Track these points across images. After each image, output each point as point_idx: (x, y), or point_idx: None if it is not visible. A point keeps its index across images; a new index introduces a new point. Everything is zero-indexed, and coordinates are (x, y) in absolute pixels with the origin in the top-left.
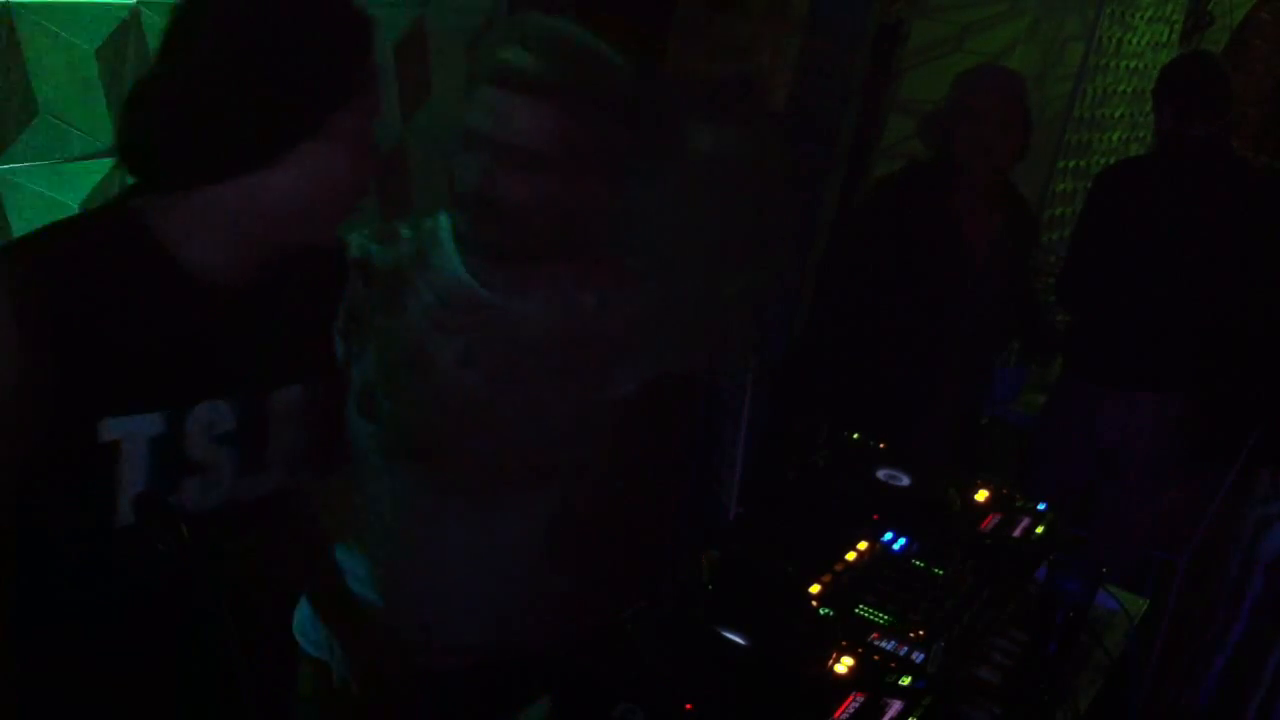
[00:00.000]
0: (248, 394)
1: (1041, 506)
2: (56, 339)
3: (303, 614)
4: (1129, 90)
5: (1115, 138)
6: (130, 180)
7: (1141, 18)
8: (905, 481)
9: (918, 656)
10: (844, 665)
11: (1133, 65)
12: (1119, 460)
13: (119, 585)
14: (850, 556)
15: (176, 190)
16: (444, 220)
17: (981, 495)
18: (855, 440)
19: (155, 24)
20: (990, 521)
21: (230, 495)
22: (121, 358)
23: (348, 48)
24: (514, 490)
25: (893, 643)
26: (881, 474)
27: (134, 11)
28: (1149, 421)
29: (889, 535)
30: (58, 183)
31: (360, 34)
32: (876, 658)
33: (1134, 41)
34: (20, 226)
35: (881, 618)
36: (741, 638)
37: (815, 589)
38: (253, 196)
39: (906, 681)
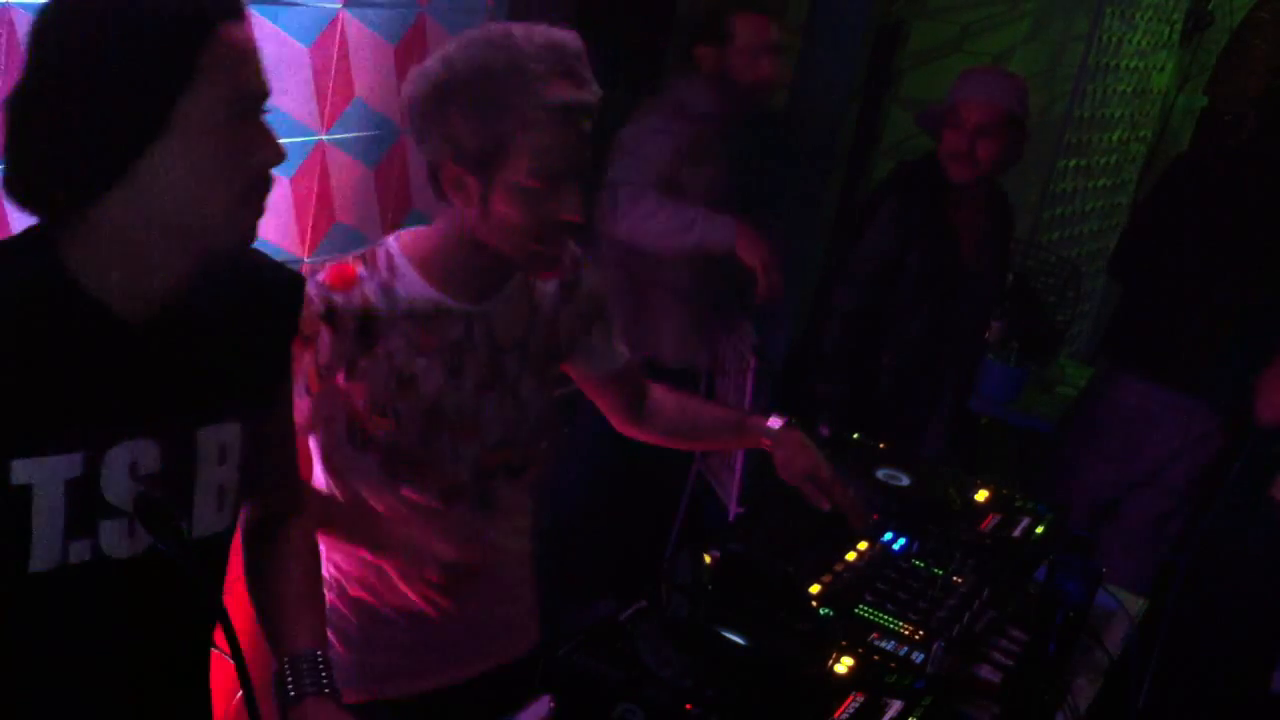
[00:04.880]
0: (174, 432)
1: (1041, 506)
2: None
3: None
4: (1129, 90)
5: (1115, 138)
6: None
7: (1142, 18)
8: (905, 481)
9: (918, 656)
10: (844, 665)
11: (1133, 65)
12: (1161, 469)
13: (36, 632)
14: (850, 556)
15: (72, 214)
16: (392, 245)
17: (981, 495)
18: (855, 440)
19: None
20: (990, 521)
21: (153, 540)
22: (30, 395)
23: (171, 32)
24: (501, 486)
25: (893, 643)
26: (881, 474)
27: None
28: (1194, 429)
29: (889, 535)
30: None
31: (187, 15)
32: (876, 658)
33: (1135, 41)
34: (20, 226)
35: (881, 618)
36: (741, 638)
37: (815, 589)
38: (132, 207)
39: (907, 682)
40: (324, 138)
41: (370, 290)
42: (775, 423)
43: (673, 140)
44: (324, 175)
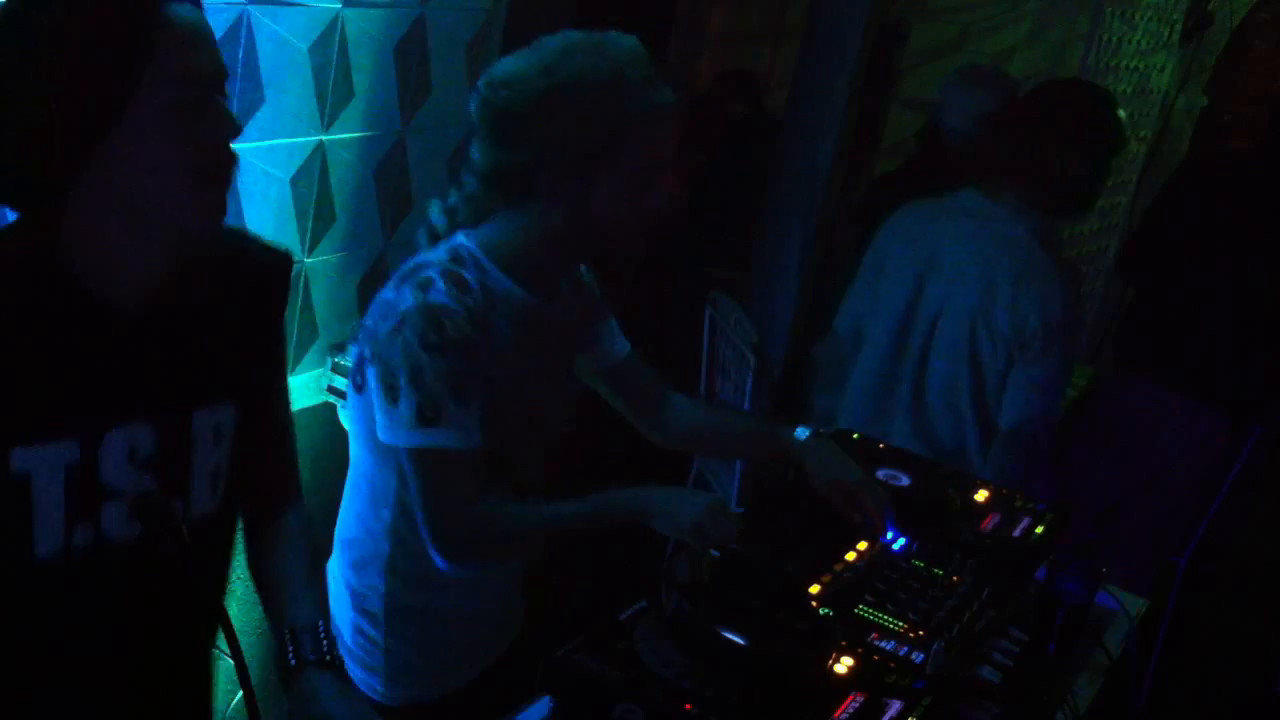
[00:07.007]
0: (169, 415)
1: (1041, 506)
2: None
3: None
4: (1129, 90)
5: None
6: None
7: (1142, 18)
8: (905, 481)
9: (918, 656)
10: (844, 665)
11: (1133, 65)
12: (1165, 471)
13: (41, 618)
14: (850, 556)
15: (55, 204)
16: (465, 243)
17: (981, 495)
18: (855, 440)
19: None
20: (990, 521)
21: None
22: (22, 384)
23: (113, 26)
24: (541, 472)
25: (893, 643)
26: (881, 474)
27: None
28: (1199, 431)
29: (889, 535)
30: None
31: (129, 9)
32: (876, 658)
33: (1135, 41)
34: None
35: (881, 618)
36: (741, 638)
37: (815, 589)
38: (100, 195)
39: (907, 682)
40: (324, 138)
41: (478, 291)
42: (804, 431)
43: None
44: (324, 175)
